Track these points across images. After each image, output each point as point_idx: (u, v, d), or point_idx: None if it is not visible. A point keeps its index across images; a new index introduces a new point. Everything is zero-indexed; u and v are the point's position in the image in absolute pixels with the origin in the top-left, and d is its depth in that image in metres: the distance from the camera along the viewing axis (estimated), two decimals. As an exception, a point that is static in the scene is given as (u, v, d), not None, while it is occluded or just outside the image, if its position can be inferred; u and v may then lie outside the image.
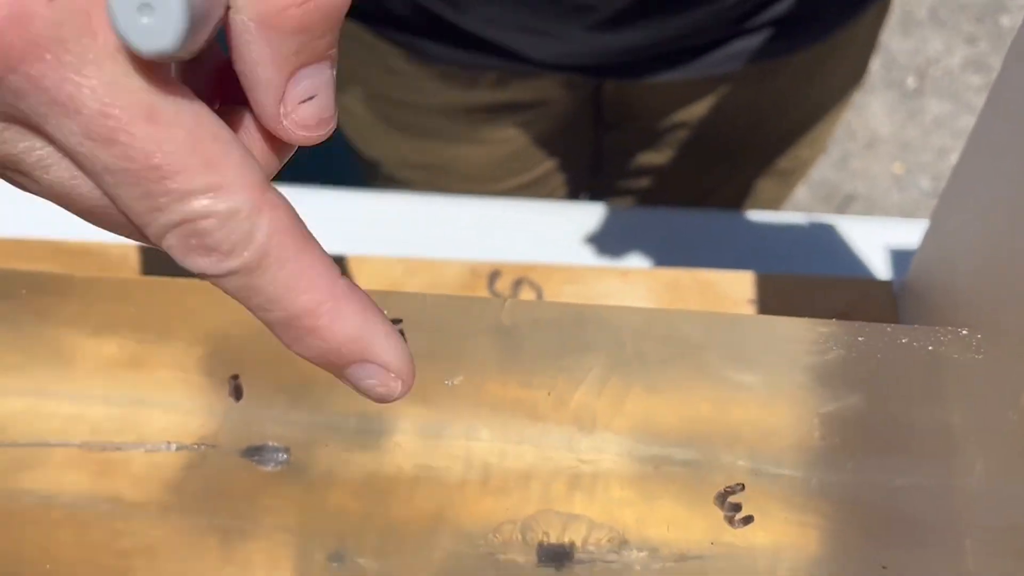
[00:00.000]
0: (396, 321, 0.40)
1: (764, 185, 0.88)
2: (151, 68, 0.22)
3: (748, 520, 0.36)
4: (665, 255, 0.66)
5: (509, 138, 0.79)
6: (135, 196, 0.23)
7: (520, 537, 0.37)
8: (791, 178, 0.89)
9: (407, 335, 0.40)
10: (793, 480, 0.38)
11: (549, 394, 0.39)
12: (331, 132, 0.26)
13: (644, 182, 0.87)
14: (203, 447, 0.40)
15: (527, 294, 0.57)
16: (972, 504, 0.37)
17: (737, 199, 0.89)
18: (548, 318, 0.40)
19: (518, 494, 0.39)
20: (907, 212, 1.59)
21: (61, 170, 0.24)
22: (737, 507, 0.36)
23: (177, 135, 0.22)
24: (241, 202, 0.23)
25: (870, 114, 1.68)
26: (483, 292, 0.58)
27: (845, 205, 1.60)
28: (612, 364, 0.40)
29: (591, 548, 0.37)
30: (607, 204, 0.71)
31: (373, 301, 0.26)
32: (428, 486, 0.39)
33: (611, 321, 0.40)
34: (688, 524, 0.37)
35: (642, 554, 0.36)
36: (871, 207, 1.61)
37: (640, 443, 0.39)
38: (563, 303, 0.41)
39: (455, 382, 0.39)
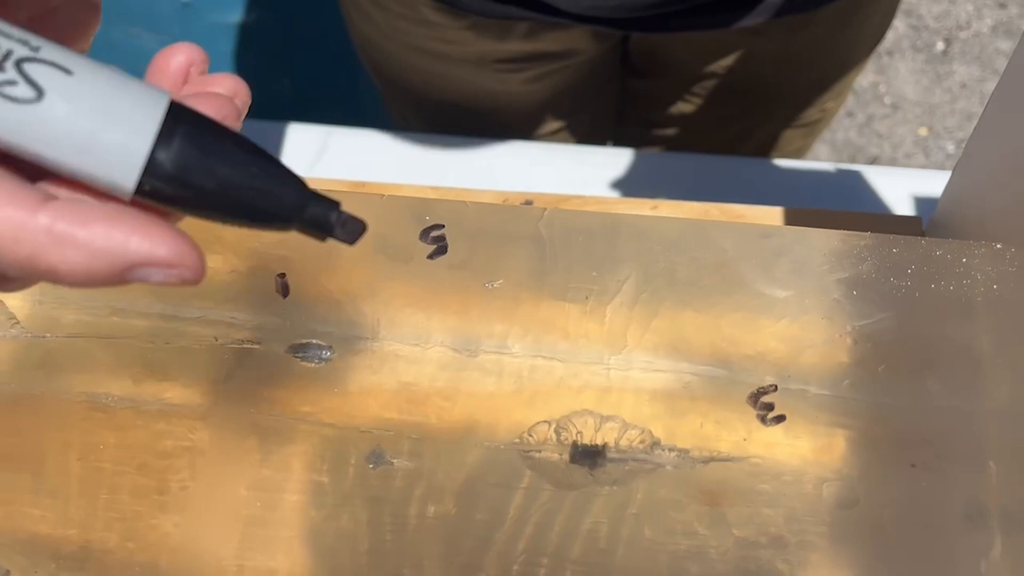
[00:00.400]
0: (439, 227, 0.41)
1: (790, 135, 0.88)
2: None
3: (780, 419, 0.37)
4: (693, 195, 0.66)
5: (538, 89, 0.79)
6: None
7: (554, 437, 0.38)
8: (816, 127, 0.89)
9: (449, 240, 0.41)
10: (821, 398, 0.38)
11: (586, 301, 0.40)
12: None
13: (671, 131, 0.88)
14: (249, 343, 0.41)
15: (558, 224, 0.58)
16: (997, 425, 0.38)
17: (763, 148, 0.89)
18: (584, 227, 0.41)
19: (549, 406, 0.40)
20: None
21: None
22: (770, 406, 0.37)
23: None
24: None
25: (897, 77, 1.67)
26: (514, 221, 0.59)
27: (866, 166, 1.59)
28: (644, 277, 0.41)
29: (624, 447, 0.38)
30: (636, 149, 0.72)
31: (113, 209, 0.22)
32: (461, 397, 0.40)
33: (646, 232, 0.41)
34: (719, 426, 0.38)
35: (674, 454, 0.37)
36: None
37: (671, 358, 0.40)
38: (599, 212, 0.41)
39: (495, 285, 0.39)
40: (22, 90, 0.21)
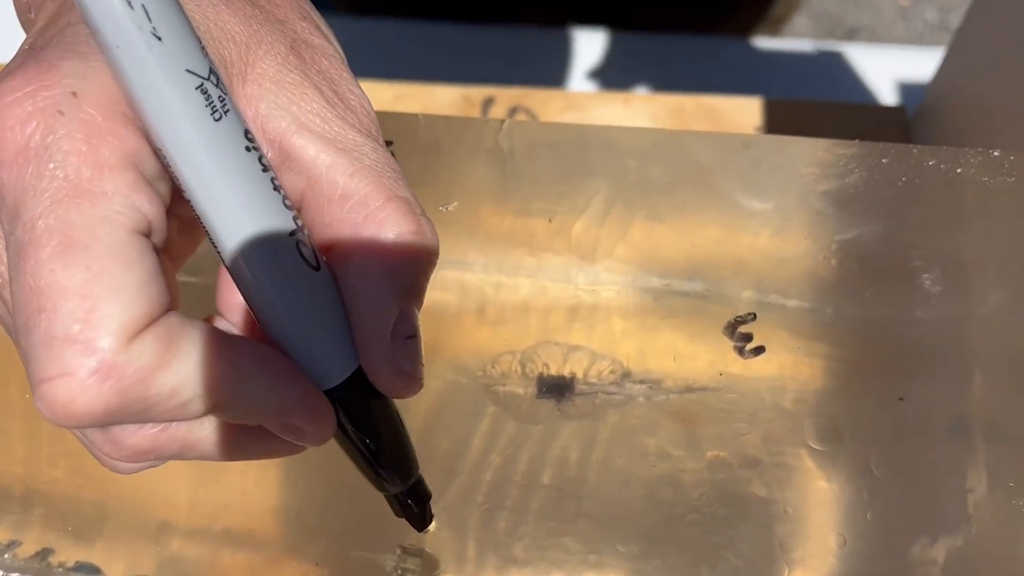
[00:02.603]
0: (388, 143, 0.37)
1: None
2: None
3: (759, 351, 0.35)
4: (667, 82, 0.63)
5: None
6: (18, 328, 0.21)
7: (519, 369, 0.36)
8: None
9: (399, 157, 0.38)
10: (803, 311, 0.36)
11: (550, 221, 0.37)
12: (418, 390, 0.25)
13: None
14: (186, 277, 0.38)
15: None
16: (983, 334, 0.36)
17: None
18: (548, 140, 0.37)
19: (515, 325, 0.37)
20: (912, 45, 1.53)
21: None
22: (748, 337, 0.35)
23: (75, 275, 0.20)
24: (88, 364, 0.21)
25: (878, -59, 1.60)
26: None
27: (849, 38, 1.54)
28: (616, 190, 0.38)
29: (592, 380, 0.35)
30: (606, 30, 0.67)
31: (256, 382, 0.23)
32: (422, 317, 0.38)
33: (616, 144, 0.38)
34: (694, 355, 0.35)
35: (645, 386, 0.35)
36: (875, 40, 1.55)
37: (643, 274, 0.37)
38: (565, 124, 0.38)
39: (450, 208, 0.36)
40: (309, 254, 0.23)
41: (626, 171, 0.38)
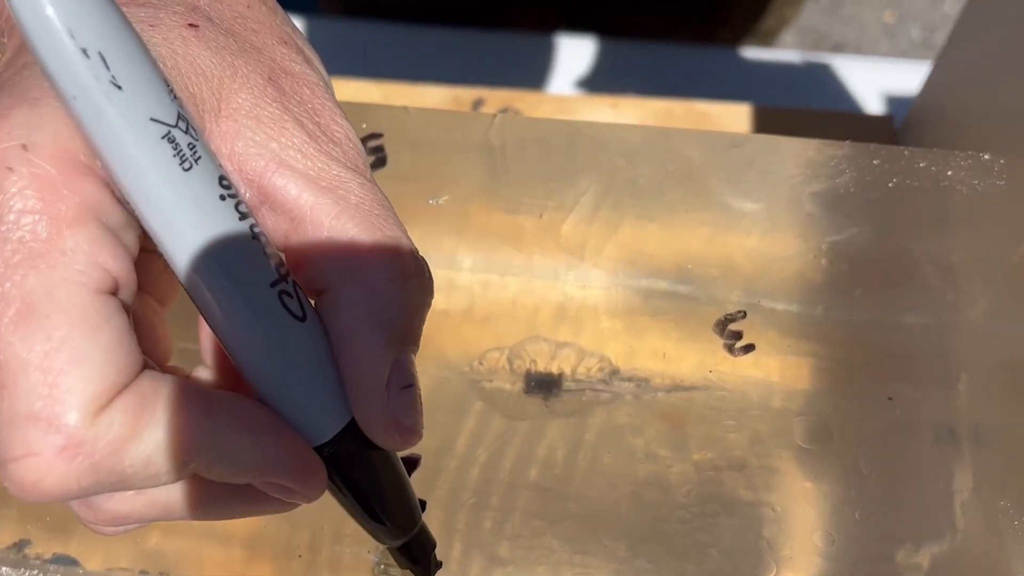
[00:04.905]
0: (376, 136, 0.37)
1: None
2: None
3: (749, 348, 0.34)
4: (656, 89, 0.63)
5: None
6: None
7: (507, 365, 0.35)
8: None
9: (388, 151, 0.37)
10: (793, 311, 0.36)
11: (541, 216, 0.37)
12: (416, 441, 0.24)
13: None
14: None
15: (511, 124, 0.54)
16: (971, 336, 0.36)
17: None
18: (539, 136, 0.37)
19: (503, 323, 0.37)
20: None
21: None
22: (738, 335, 0.35)
23: (34, 347, 0.19)
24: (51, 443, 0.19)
25: (864, -41, 1.61)
26: (465, 121, 0.55)
27: (834, 53, 1.55)
28: (605, 189, 0.38)
29: (580, 377, 0.35)
30: (595, 37, 0.67)
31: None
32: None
33: (606, 141, 0.38)
34: (683, 354, 0.35)
35: (633, 384, 0.35)
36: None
37: (632, 273, 0.37)
38: (556, 120, 0.38)
39: (440, 201, 0.36)
40: (294, 305, 0.22)
41: (616, 169, 0.38)
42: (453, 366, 0.36)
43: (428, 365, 0.36)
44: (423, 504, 0.27)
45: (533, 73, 0.65)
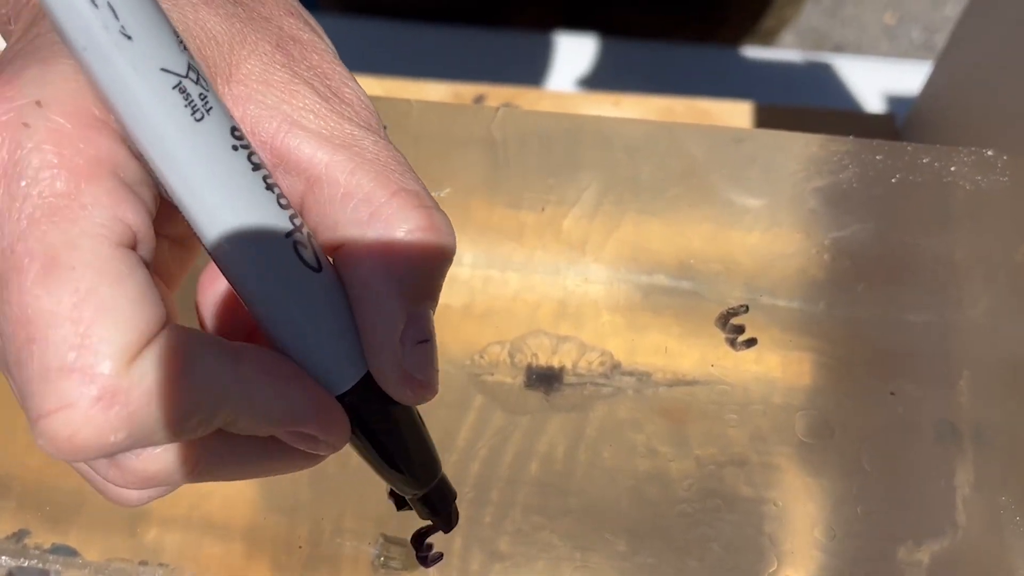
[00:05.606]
0: (378, 128, 0.37)
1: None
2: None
3: (751, 343, 0.34)
4: (657, 88, 0.63)
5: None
6: (9, 363, 0.19)
7: (508, 359, 0.35)
8: None
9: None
10: (795, 307, 0.36)
11: (542, 211, 0.37)
12: (431, 396, 0.24)
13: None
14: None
15: (513, 120, 0.54)
16: (973, 333, 0.36)
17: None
18: (541, 130, 0.37)
19: (504, 318, 0.37)
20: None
21: None
22: (740, 329, 0.35)
23: (62, 299, 0.19)
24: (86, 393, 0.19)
25: (864, -39, 1.61)
26: (466, 117, 0.54)
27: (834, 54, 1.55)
28: (607, 184, 0.38)
29: (581, 371, 0.35)
30: (596, 36, 0.67)
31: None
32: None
33: (608, 136, 0.37)
34: (684, 350, 0.35)
35: (634, 378, 0.35)
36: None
37: (634, 269, 0.37)
38: (558, 114, 0.37)
39: (442, 194, 0.36)
40: (309, 256, 0.22)
41: (618, 164, 0.38)
42: (454, 360, 0.36)
43: (429, 359, 0.36)
44: (454, 494, 0.27)
45: (533, 71, 0.65)
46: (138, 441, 0.20)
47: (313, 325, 0.22)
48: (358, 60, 0.62)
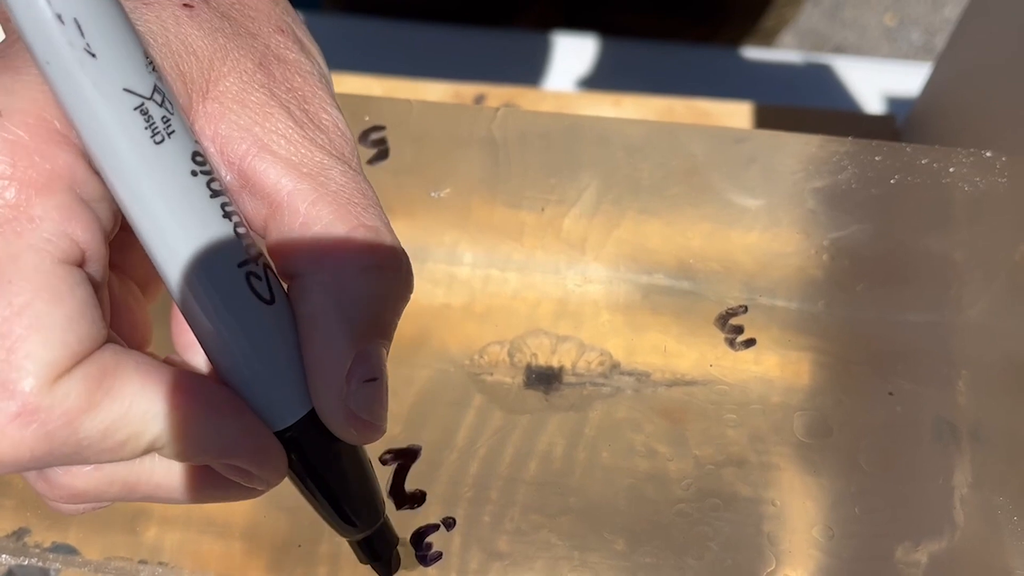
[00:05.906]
0: (379, 128, 0.37)
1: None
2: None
3: (750, 343, 0.34)
4: (657, 88, 0.63)
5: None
6: None
7: (508, 358, 0.35)
8: None
9: (390, 144, 0.37)
10: (794, 307, 0.36)
11: (542, 211, 0.37)
12: (378, 437, 0.23)
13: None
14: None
15: (513, 120, 0.54)
16: (971, 334, 0.36)
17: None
18: (541, 130, 0.37)
19: (503, 317, 0.37)
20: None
21: None
22: (739, 329, 0.35)
23: None
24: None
25: (865, -38, 1.62)
26: (466, 117, 0.55)
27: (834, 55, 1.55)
28: (607, 184, 0.38)
29: (581, 371, 0.35)
30: (597, 36, 0.67)
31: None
32: (410, 308, 0.37)
33: (608, 136, 0.38)
34: (683, 350, 0.35)
35: (633, 378, 0.35)
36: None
37: (634, 268, 0.37)
38: (558, 114, 0.38)
39: (442, 194, 0.36)
40: (262, 287, 0.21)
41: (618, 164, 0.38)
42: (453, 359, 0.36)
43: (429, 358, 0.36)
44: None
45: (534, 71, 0.65)
46: (61, 459, 0.20)
47: (257, 357, 0.22)
48: (358, 60, 0.62)
